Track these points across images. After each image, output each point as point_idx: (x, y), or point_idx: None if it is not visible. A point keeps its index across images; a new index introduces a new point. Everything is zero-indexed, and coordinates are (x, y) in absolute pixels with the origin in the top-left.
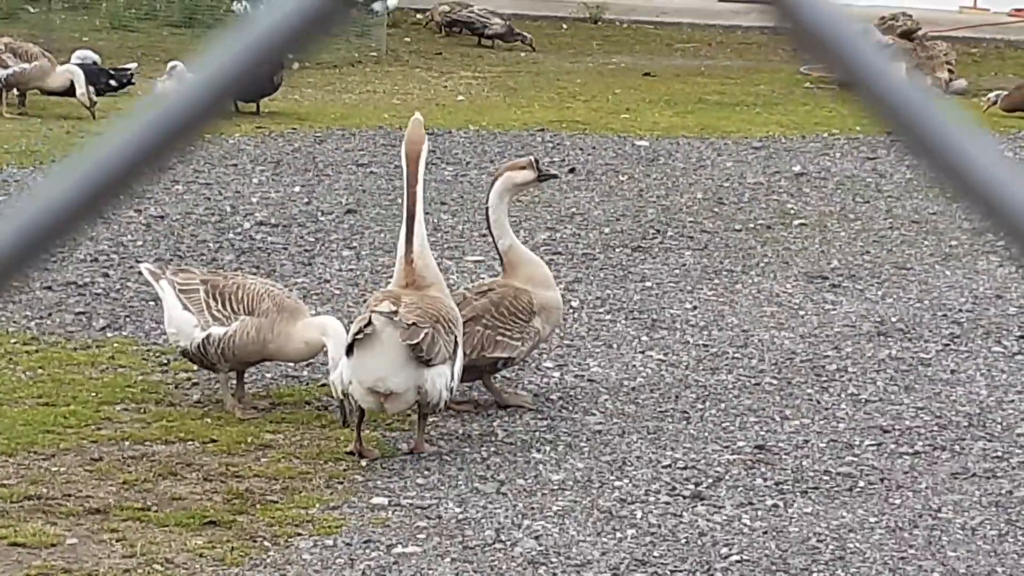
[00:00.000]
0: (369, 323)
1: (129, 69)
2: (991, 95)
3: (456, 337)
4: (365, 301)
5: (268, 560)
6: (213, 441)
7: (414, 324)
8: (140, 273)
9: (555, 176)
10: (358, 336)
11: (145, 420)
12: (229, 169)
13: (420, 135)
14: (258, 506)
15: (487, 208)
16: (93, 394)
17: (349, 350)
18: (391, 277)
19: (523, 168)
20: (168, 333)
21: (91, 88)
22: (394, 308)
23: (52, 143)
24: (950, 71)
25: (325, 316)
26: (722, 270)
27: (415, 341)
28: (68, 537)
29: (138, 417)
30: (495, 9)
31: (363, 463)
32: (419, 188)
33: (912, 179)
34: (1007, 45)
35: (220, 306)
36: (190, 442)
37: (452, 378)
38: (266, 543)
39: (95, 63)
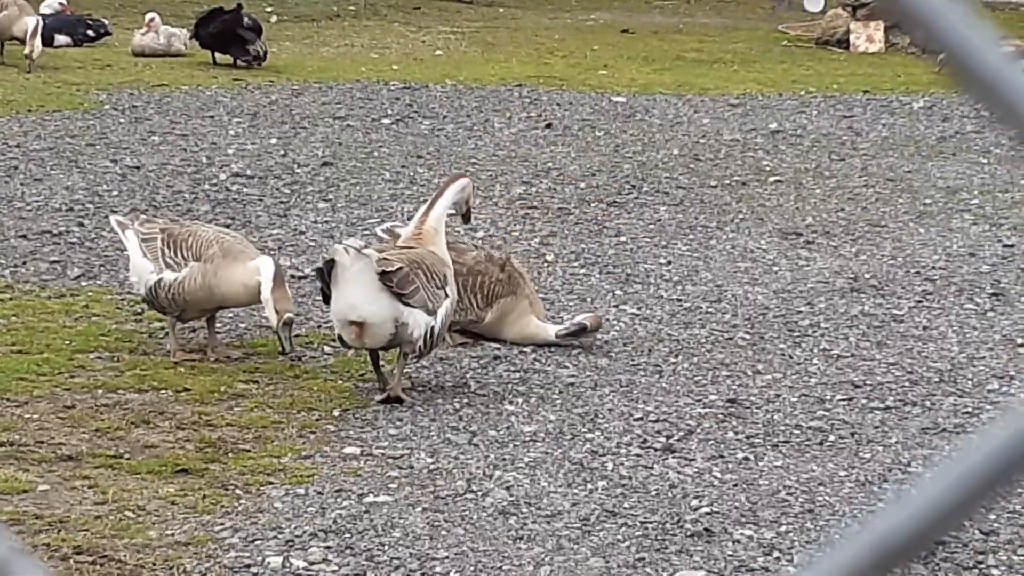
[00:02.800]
0: (330, 258)
1: (104, 21)
2: (943, 56)
3: (445, 292)
4: None
5: (240, 508)
6: (186, 390)
7: (386, 258)
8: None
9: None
10: (324, 268)
11: (118, 368)
12: (206, 120)
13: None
14: (230, 455)
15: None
16: (67, 342)
17: (326, 285)
18: (366, 230)
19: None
20: (131, 280)
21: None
22: (363, 244)
23: (28, 93)
24: None
25: (261, 257)
26: (697, 226)
27: (388, 270)
28: (40, 483)
29: (111, 365)
30: None
31: (335, 413)
32: (450, 191)
33: (888, 137)
34: (986, 5)
35: (172, 253)
36: (163, 391)
37: (437, 328)
38: (238, 491)
39: (62, 6)
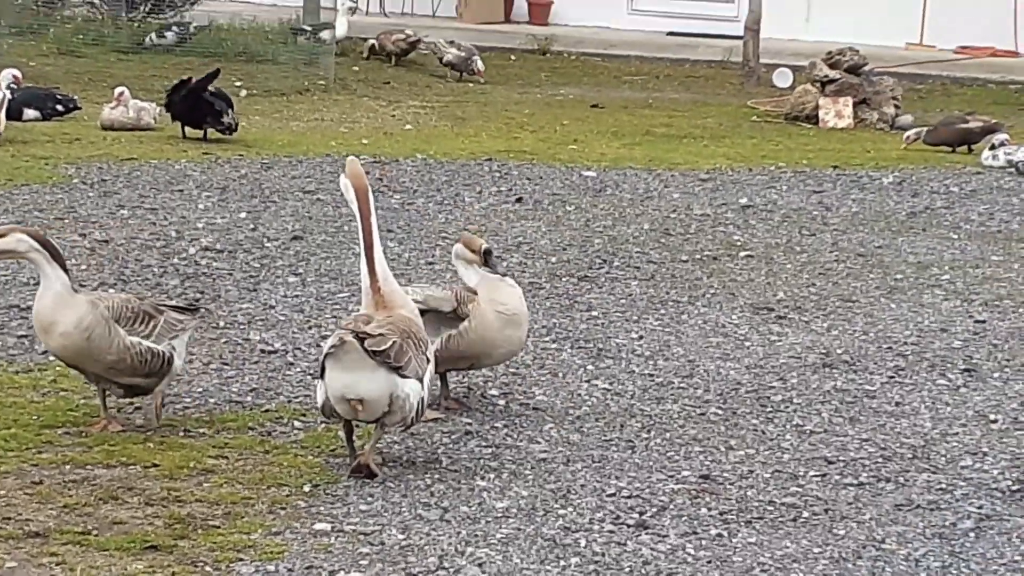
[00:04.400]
0: (341, 341)
1: (73, 96)
2: (910, 133)
3: (427, 358)
4: (311, 327)
5: None
6: (155, 465)
7: (381, 335)
8: None
9: (499, 273)
10: (330, 352)
11: (86, 444)
12: (175, 194)
13: (362, 171)
14: (200, 531)
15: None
16: (34, 417)
17: (322, 368)
18: (336, 304)
19: (472, 250)
20: None
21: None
22: (363, 327)
23: None
24: (896, 106)
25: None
26: (668, 300)
27: (382, 348)
28: (7, 560)
29: (79, 441)
30: (451, 39)
31: (306, 488)
32: (373, 219)
33: (858, 213)
34: (952, 82)
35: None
36: (132, 466)
37: (425, 395)
38: (207, 568)
39: (15, 80)
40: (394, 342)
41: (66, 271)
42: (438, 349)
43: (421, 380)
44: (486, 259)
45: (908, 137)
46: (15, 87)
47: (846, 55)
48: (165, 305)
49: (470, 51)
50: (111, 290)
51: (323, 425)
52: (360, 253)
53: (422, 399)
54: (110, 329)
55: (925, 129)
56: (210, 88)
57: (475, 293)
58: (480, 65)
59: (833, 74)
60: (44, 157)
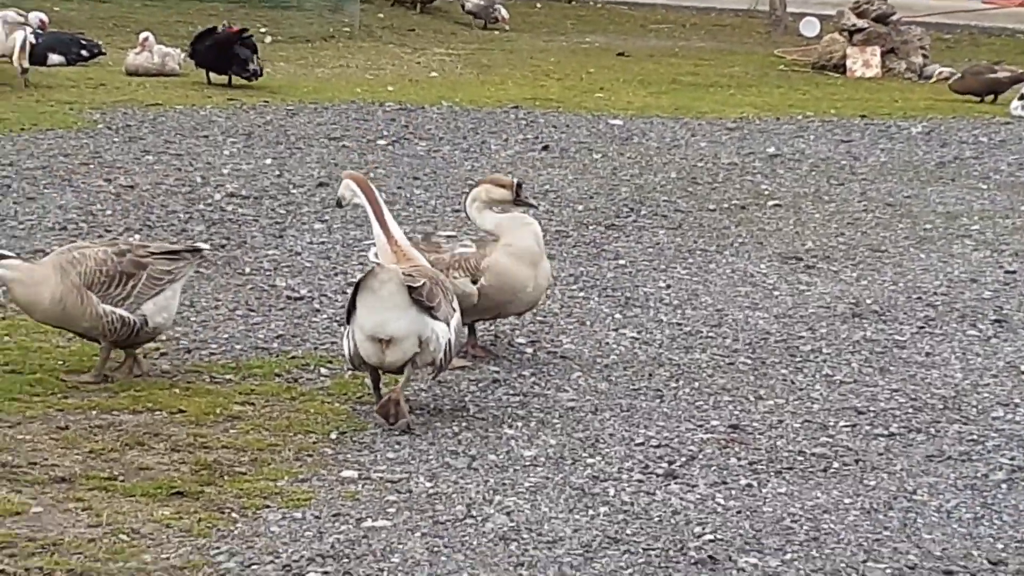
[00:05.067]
0: (376, 270)
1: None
2: (944, 70)
3: (453, 307)
4: (337, 274)
5: (236, 532)
6: (181, 411)
7: (410, 275)
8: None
9: (532, 206)
10: (363, 282)
11: (112, 390)
12: (200, 140)
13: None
14: (226, 477)
15: (465, 209)
16: (60, 362)
17: (350, 308)
18: (362, 251)
19: (503, 186)
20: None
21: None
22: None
23: (22, 111)
24: (924, 56)
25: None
26: (696, 249)
27: (415, 284)
28: (33, 506)
29: (105, 386)
30: None
31: (332, 436)
32: (378, 195)
33: (886, 162)
34: (980, 32)
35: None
36: (158, 412)
37: (453, 340)
38: (234, 515)
39: (41, 24)
40: (425, 282)
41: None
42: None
43: (449, 324)
44: (518, 192)
45: (941, 73)
46: (40, 32)
47: (874, 4)
48: (156, 252)
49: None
50: (136, 236)
51: (350, 372)
52: (372, 224)
53: (450, 343)
54: (82, 298)
55: (955, 74)
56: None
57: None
58: (504, 13)
59: (861, 23)
60: (69, 102)
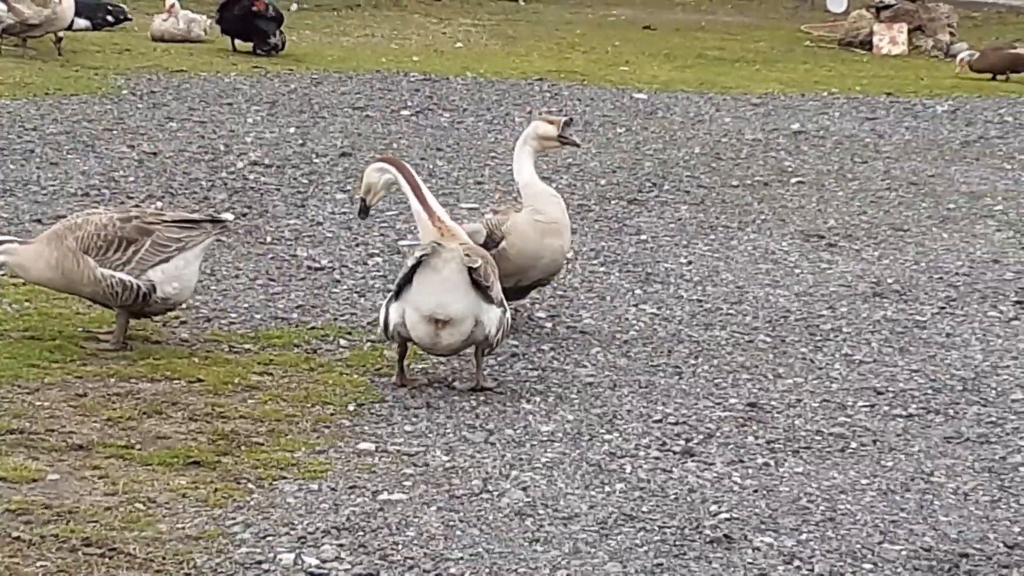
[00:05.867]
0: (439, 249)
1: (123, 6)
2: (963, 55)
3: (500, 285)
4: (359, 245)
5: (252, 502)
6: (199, 381)
7: (468, 255)
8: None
9: (575, 144)
10: (423, 260)
11: (131, 358)
12: (224, 108)
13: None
14: (243, 448)
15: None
16: (79, 329)
17: (407, 281)
18: (384, 223)
19: (551, 123)
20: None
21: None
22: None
23: (46, 76)
24: (951, 33)
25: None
26: (718, 226)
27: (475, 265)
28: (50, 472)
29: (124, 354)
30: None
31: (350, 408)
32: (415, 174)
33: (911, 141)
34: (1009, 10)
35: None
36: (176, 381)
37: (508, 319)
38: (250, 485)
39: None
40: (481, 262)
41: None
42: None
43: (504, 306)
44: (564, 129)
45: (961, 59)
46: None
47: None
48: (168, 220)
49: None
50: (159, 203)
51: (369, 344)
52: (410, 201)
53: (505, 321)
54: (78, 261)
55: (974, 55)
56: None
57: (510, 215)
58: None
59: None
60: (94, 67)
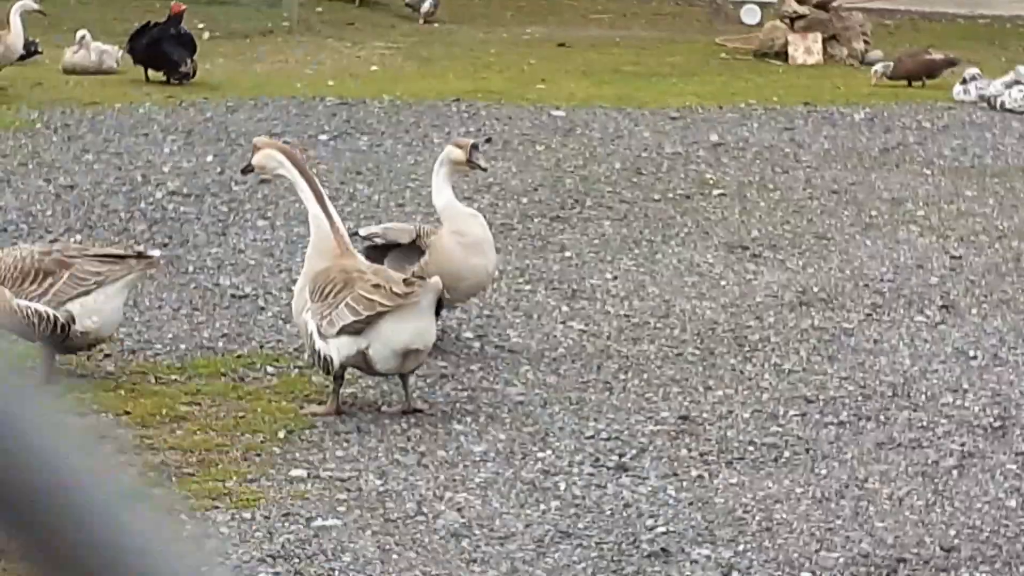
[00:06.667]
0: (411, 287)
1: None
2: (877, 67)
3: None
4: (282, 271)
5: (185, 534)
6: (127, 413)
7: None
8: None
9: (482, 168)
10: (405, 302)
11: (57, 392)
12: (140, 139)
13: (272, 141)
14: (174, 479)
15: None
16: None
17: (362, 324)
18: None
19: (459, 147)
20: None
21: None
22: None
23: None
24: (866, 42)
25: None
26: (642, 240)
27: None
28: None
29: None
30: None
31: (280, 435)
32: (311, 173)
33: (830, 149)
34: (921, 17)
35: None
36: (103, 414)
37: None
38: (183, 516)
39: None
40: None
41: None
42: None
43: None
44: (471, 153)
45: (876, 72)
46: None
47: None
48: (91, 255)
49: None
50: (75, 237)
51: (296, 370)
52: (308, 204)
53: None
54: None
55: (889, 66)
56: (174, 30)
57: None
58: (427, 6)
59: (802, 10)
60: (5, 102)
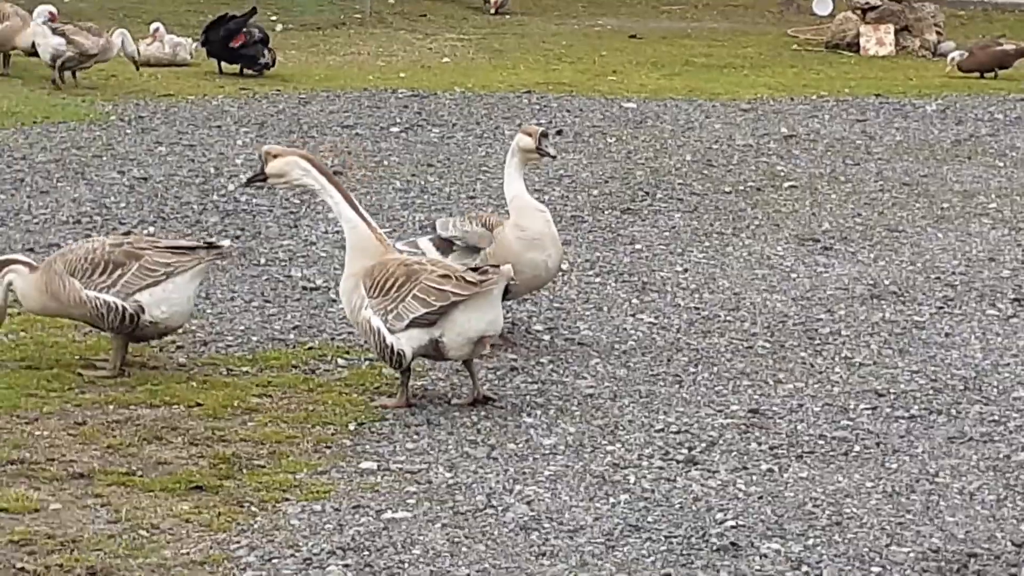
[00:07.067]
0: (484, 275)
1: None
2: (954, 54)
3: None
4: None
5: (256, 526)
6: (198, 405)
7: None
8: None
9: (551, 156)
10: (481, 290)
11: (129, 384)
12: (213, 131)
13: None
14: (245, 471)
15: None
16: (77, 357)
17: (437, 313)
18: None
19: (528, 135)
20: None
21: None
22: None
23: (33, 104)
24: (938, 33)
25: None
26: (712, 232)
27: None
28: (52, 502)
29: (122, 380)
30: None
31: (351, 427)
32: (351, 194)
33: (902, 141)
34: (994, 7)
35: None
36: (175, 406)
37: None
38: (253, 508)
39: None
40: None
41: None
42: None
43: None
44: (540, 140)
45: (952, 59)
46: (52, 25)
47: None
48: (161, 246)
49: None
50: (148, 229)
51: (367, 363)
52: (341, 209)
53: None
54: (63, 284)
55: (963, 54)
56: (247, 25)
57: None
58: None
59: (874, 1)
60: (81, 94)
